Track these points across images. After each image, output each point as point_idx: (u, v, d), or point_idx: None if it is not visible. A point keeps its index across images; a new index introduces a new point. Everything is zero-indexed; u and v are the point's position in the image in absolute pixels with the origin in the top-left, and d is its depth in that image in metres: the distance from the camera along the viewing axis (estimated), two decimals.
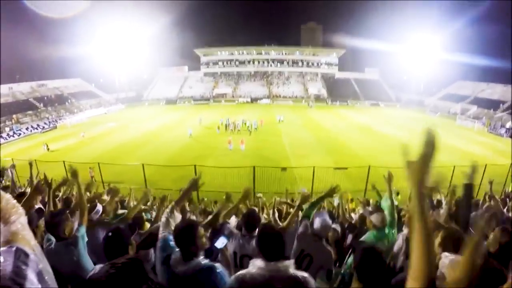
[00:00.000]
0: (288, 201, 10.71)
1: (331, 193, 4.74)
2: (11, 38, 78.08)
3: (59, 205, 6.11)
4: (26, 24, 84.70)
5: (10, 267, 1.33)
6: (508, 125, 44.98)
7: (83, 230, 3.34)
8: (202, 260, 2.56)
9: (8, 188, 6.70)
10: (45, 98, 61.58)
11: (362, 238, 4.54)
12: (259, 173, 18.89)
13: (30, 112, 53.94)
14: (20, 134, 44.12)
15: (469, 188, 3.97)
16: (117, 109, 70.46)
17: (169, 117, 54.93)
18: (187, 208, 7.92)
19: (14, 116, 49.17)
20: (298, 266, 3.77)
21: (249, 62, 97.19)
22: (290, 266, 2.42)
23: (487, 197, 7.85)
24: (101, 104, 70.50)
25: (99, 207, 5.07)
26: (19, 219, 1.54)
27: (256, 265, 2.43)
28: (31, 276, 1.39)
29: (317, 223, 4.07)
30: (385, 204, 4.65)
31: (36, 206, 5.00)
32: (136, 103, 78.28)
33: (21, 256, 1.38)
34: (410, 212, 1.43)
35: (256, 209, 7.79)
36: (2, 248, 1.40)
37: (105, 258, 2.55)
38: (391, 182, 4.70)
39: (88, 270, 2.96)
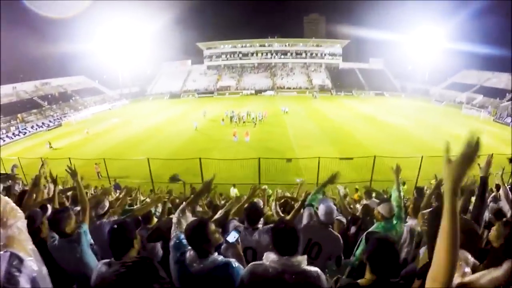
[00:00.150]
0: (288, 194, 10.71)
1: (332, 179, 4.83)
2: (14, 37, 78.39)
3: (68, 202, 6.14)
4: (28, 23, 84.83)
5: (2, 273, 1.31)
6: None
7: (85, 227, 3.33)
8: (217, 256, 2.55)
9: (10, 188, 6.69)
10: (49, 96, 61.69)
11: (370, 229, 4.52)
12: (265, 165, 18.90)
13: (34, 110, 54.05)
14: (25, 133, 44.31)
15: (483, 181, 3.88)
16: (121, 104, 70.52)
17: (173, 111, 54.97)
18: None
19: (19, 115, 49.26)
20: (307, 256, 3.78)
21: (252, 54, 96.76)
22: (303, 261, 2.43)
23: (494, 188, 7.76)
24: (105, 100, 70.61)
25: (106, 202, 5.07)
26: (16, 223, 1.51)
27: (269, 258, 2.45)
28: (24, 282, 1.36)
29: (321, 210, 4.09)
30: (393, 195, 4.63)
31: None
32: (140, 98, 78.59)
33: (14, 262, 1.36)
34: (443, 212, 1.40)
35: (262, 201, 7.79)
36: None
37: (111, 253, 2.54)
38: (399, 174, 4.69)
39: (92, 267, 2.95)
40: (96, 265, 2.58)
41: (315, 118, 44.34)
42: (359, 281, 2.31)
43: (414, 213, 5.06)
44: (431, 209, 3.70)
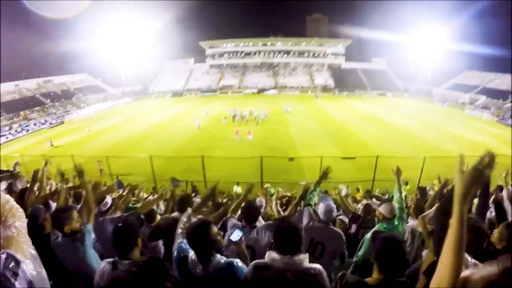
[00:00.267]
0: (288, 193, 10.72)
1: (324, 176, 4.92)
2: (16, 35, 78.28)
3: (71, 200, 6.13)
4: (30, 21, 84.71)
5: None
6: None
7: (89, 227, 3.32)
8: (220, 258, 2.53)
9: (12, 185, 6.68)
10: (52, 93, 61.89)
11: (374, 229, 4.53)
12: (267, 163, 18.89)
13: (37, 108, 54.22)
14: (28, 130, 44.47)
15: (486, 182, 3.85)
16: (123, 102, 70.63)
17: (176, 109, 55.06)
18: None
19: (21, 112, 49.44)
20: (312, 255, 3.77)
21: (255, 53, 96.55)
22: (304, 259, 2.44)
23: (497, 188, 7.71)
24: (107, 98, 70.75)
25: (109, 199, 5.07)
26: (15, 223, 1.47)
27: (271, 257, 2.46)
28: (19, 285, 1.33)
29: (321, 208, 4.13)
30: (395, 196, 4.63)
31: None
32: (143, 96, 78.62)
33: (10, 264, 1.32)
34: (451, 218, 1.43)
35: (264, 200, 7.78)
36: None
37: (114, 251, 2.54)
38: (400, 176, 4.68)
39: (94, 267, 2.93)
40: (99, 265, 2.57)
41: (318, 117, 44.31)
42: (366, 279, 2.31)
43: (416, 214, 5.04)
44: (433, 209, 3.67)
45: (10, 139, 40.27)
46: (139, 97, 77.63)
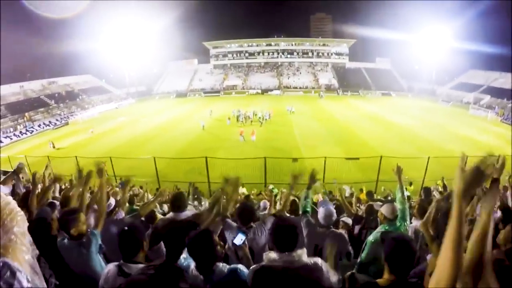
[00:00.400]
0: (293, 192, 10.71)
1: (312, 179, 4.82)
2: (20, 37, 78.65)
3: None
4: (34, 22, 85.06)
5: None
6: None
7: (96, 233, 3.31)
8: (223, 266, 2.52)
9: (15, 187, 6.66)
10: (56, 95, 62.15)
11: (378, 230, 4.50)
12: (271, 164, 18.85)
13: (41, 109, 54.60)
14: (32, 131, 44.77)
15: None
16: (127, 103, 70.82)
17: (180, 110, 55.10)
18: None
19: (26, 114, 49.72)
20: None
21: (258, 53, 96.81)
22: (303, 254, 2.42)
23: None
24: (111, 99, 71.01)
25: (112, 200, 5.09)
26: (13, 228, 1.40)
27: (269, 258, 2.43)
28: None
29: (321, 213, 4.11)
30: (397, 196, 4.61)
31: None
32: (147, 97, 78.99)
33: (5, 274, 1.24)
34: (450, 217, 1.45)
35: (268, 202, 7.78)
36: None
37: (118, 253, 2.55)
38: (401, 175, 4.63)
39: (99, 272, 2.94)
40: (104, 269, 2.56)
41: (322, 118, 44.12)
42: (378, 280, 2.30)
43: (420, 214, 4.97)
44: (432, 212, 3.66)
45: (14, 140, 40.54)
46: (143, 98, 77.88)
